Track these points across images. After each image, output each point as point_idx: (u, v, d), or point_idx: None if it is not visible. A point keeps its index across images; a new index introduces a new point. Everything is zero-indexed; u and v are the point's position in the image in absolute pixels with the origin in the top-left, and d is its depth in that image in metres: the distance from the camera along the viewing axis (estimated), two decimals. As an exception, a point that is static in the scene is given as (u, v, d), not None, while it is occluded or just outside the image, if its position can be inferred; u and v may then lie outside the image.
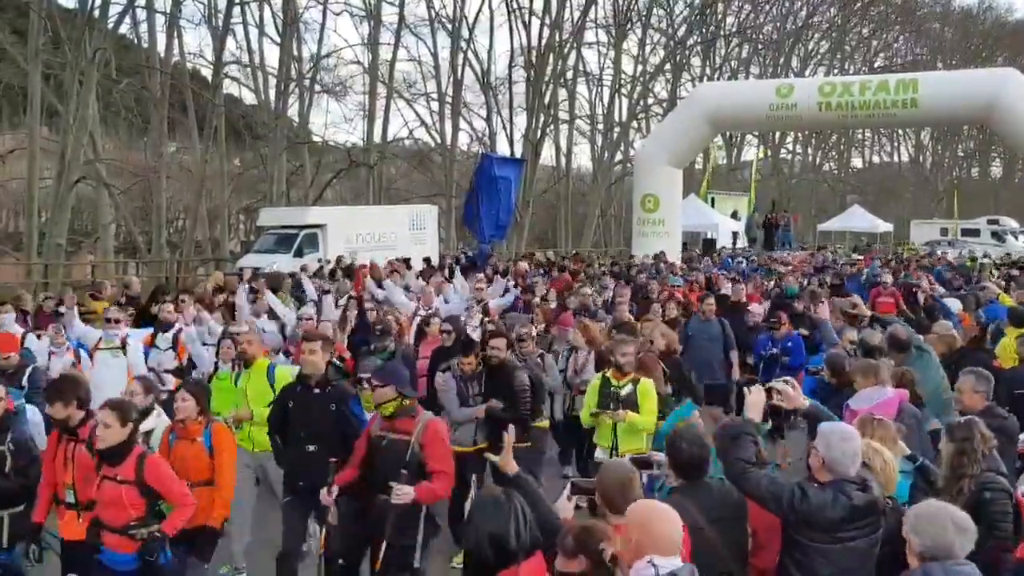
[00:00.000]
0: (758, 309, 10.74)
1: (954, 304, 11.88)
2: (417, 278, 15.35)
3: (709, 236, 32.73)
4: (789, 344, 9.76)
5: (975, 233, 36.58)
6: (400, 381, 5.25)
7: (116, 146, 35.75)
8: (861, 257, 24.13)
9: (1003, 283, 16.12)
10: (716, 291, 13.15)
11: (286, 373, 6.82)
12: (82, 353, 8.47)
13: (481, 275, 14.56)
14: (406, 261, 18.11)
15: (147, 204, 31.63)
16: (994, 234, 36.49)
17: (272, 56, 34.72)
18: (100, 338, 8.43)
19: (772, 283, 16.48)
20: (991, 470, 4.52)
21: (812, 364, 8.15)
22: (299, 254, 21.31)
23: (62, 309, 9.81)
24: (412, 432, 5.16)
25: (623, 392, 6.90)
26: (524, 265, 17.35)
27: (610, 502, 3.81)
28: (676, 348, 8.77)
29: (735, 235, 34.60)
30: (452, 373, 7.41)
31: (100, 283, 13.95)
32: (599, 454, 6.88)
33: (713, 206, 35.93)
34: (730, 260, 22.82)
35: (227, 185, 33.99)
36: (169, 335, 8.91)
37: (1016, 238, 36.42)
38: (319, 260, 19.54)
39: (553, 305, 12.02)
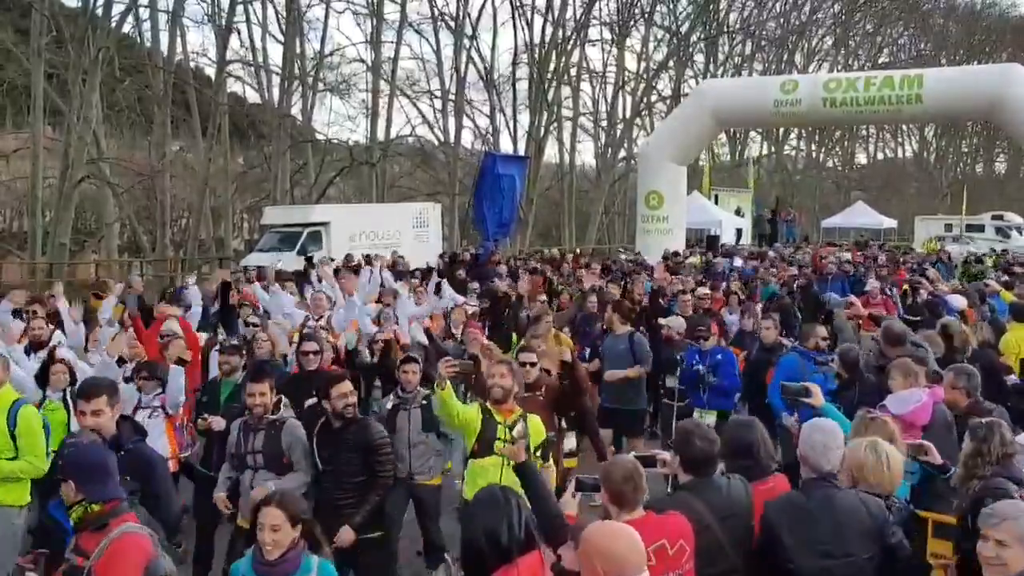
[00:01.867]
0: (676, 323, 9.10)
1: (958, 301, 11.82)
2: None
3: (713, 233, 32.71)
4: (719, 357, 8.30)
5: (980, 229, 36.39)
6: (85, 476, 3.51)
7: (119, 145, 35.77)
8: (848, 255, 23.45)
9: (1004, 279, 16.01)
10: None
11: (32, 416, 5.51)
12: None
13: (417, 281, 12.87)
14: (308, 263, 16.75)
15: (151, 203, 31.66)
16: (998, 230, 36.27)
17: (275, 54, 34.85)
18: None
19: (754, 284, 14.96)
20: (1004, 476, 4.33)
21: (819, 357, 7.83)
22: (303, 252, 21.34)
23: None
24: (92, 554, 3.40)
25: (513, 433, 5.36)
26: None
27: (619, 497, 3.73)
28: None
29: (739, 232, 34.56)
30: (247, 418, 5.59)
31: (104, 282, 13.91)
32: None
33: (717, 203, 35.92)
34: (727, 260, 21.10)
35: (231, 184, 34.12)
36: (43, 354, 7.31)
37: (1021, 233, 36.22)
38: (323, 258, 19.56)
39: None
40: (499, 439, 5.35)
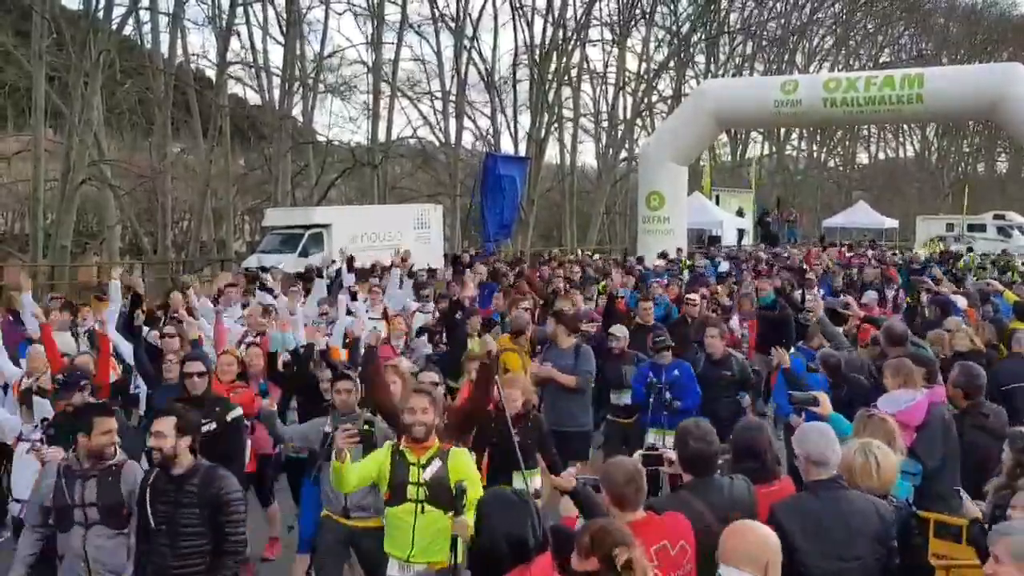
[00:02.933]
0: (623, 332, 8.30)
1: (960, 301, 11.83)
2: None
3: (714, 233, 32.72)
4: (676, 373, 7.51)
5: (981, 228, 36.38)
6: None
7: (120, 147, 35.77)
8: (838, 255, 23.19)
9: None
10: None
11: None
12: None
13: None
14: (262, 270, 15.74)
15: (152, 205, 31.67)
16: (1000, 229, 36.25)
17: (276, 56, 34.84)
18: None
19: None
20: None
21: (812, 362, 7.85)
22: (304, 254, 21.38)
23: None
24: None
25: (427, 474, 4.64)
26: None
27: (620, 498, 3.73)
28: (532, 400, 6.61)
29: (741, 232, 34.56)
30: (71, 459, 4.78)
31: (105, 284, 13.89)
32: (393, 570, 4.73)
33: (718, 203, 35.94)
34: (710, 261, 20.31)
35: (232, 185, 34.10)
36: None
37: (1022, 233, 36.21)
38: (324, 259, 19.56)
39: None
40: (411, 482, 4.64)
